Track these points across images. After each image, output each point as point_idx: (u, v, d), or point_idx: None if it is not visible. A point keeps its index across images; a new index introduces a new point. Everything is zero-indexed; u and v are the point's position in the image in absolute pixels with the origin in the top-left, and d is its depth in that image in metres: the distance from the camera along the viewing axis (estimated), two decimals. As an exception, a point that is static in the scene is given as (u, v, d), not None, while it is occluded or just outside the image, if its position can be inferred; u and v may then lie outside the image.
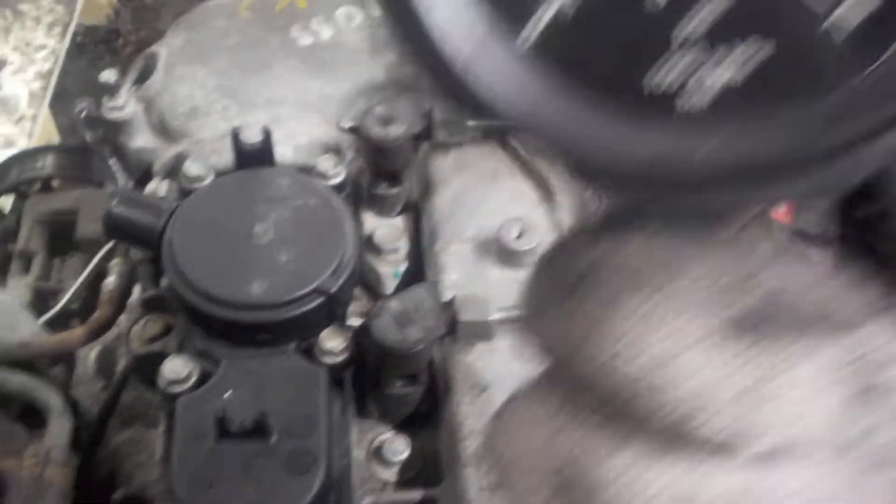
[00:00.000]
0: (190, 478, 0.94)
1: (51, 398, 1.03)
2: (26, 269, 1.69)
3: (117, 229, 1.15)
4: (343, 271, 1.08)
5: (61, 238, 1.74)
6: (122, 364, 1.37)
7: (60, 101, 2.75)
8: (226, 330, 1.06)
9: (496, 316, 1.06)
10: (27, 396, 1.05)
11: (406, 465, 1.12)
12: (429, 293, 1.06)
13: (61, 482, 0.98)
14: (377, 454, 1.12)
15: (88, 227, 1.70)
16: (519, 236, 1.15)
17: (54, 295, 1.61)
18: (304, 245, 1.09)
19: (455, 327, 1.05)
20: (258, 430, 0.96)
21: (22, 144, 2.78)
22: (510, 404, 0.66)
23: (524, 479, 0.59)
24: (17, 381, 1.06)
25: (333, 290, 1.06)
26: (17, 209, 1.80)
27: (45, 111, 2.72)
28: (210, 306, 1.04)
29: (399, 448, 1.12)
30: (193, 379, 1.03)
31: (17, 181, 1.83)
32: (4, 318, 1.20)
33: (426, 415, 1.16)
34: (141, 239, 1.15)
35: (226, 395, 0.99)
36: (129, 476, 1.30)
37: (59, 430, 1.01)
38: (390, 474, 1.11)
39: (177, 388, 1.03)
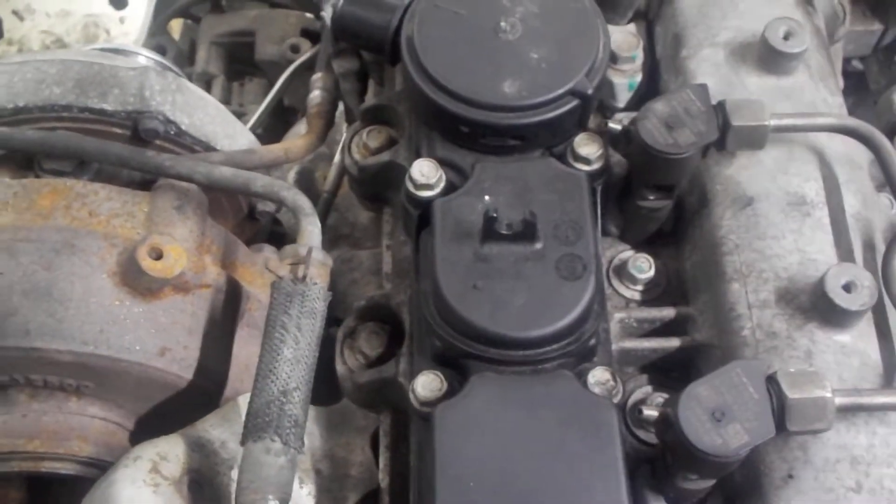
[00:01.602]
0: (456, 280, 0.90)
1: (298, 198, 0.99)
2: (207, 92, 1.66)
3: (346, 29, 1.08)
4: (597, 72, 1.00)
5: (239, 61, 1.70)
6: (329, 183, 1.34)
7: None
8: (473, 134, 0.99)
9: (773, 122, 0.96)
10: (275, 196, 1.01)
11: (651, 284, 1.06)
12: (697, 95, 0.97)
13: (323, 280, 0.95)
14: (619, 272, 1.06)
15: (267, 48, 1.65)
16: (786, 38, 1.03)
17: (237, 119, 1.57)
18: (556, 42, 1.00)
19: (726, 134, 0.96)
20: (525, 233, 0.90)
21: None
22: None
23: None
24: (264, 181, 1.02)
25: (590, 91, 0.98)
26: (190, 33, 1.75)
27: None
28: (459, 107, 0.97)
29: (643, 266, 1.05)
30: (443, 184, 0.98)
31: (187, 2, 1.78)
32: (225, 126, 1.16)
33: (668, 234, 1.09)
34: (371, 38, 1.08)
35: (487, 198, 0.94)
36: (344, 293, 1.29)
37: (312, 228, 0.98)
38: (633, 293, 1.06)
39: (426, 193, 0.97)
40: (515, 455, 0.83)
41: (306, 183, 1.42)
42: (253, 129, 1.55)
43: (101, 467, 1.03)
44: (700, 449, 0.80)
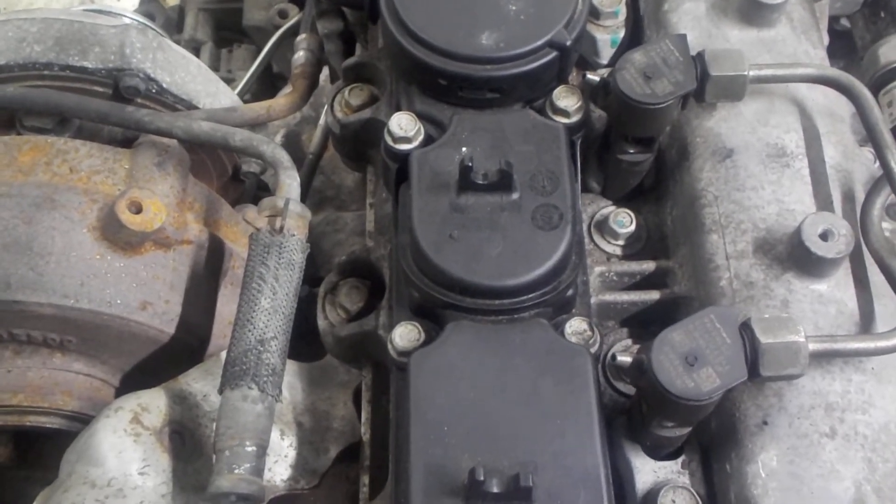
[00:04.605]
0: (432, 230, 0.90)
1: (277, 151, 0.99)
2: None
3: (325, -15, 1.08)
4: (576, 24, 0.99)
5: (227, 27, 1.69)
6: (314, 144, 1.34)
7: None
8: (451, 87, 0.99)
9: (752, 72, 0.96)
10: (253, 150, 1.01)
11: (632, 238, 1.06)
12: (675, 46, 0.96)
13: (301, 232, 0.95)
14: (600, 227, 1.07)
15: (255, 14, 1.64)
16: (766, -10, 1.03)
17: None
18: (534, -6, 1.00)
19: (705, 84, 0.96)
20: (501, 183, 0.90)
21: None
22: None
23: None
24: (243, 135, 1.02)
25: (568, 42, 0.98)
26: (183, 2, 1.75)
27: None
28: (437, 59, 0.97)
29: (624, 220, 1.06)
30: (421, 137, 0.98)
31: (175, -30, 1.78)
32: (207, 84, 1.16)
33: (649, 189, 1.09)
34: (351, -5, 1.08)
35: (463, 150, 0.94)
36: (329, 254, 1.29)
37: (290, 181, 0.98)
38: (614, 247, 1.06)
39: (404, 146, 0.97)
40: (489, 401, 0.84)
41: (293, 145, 1.42)
42: (241, 96, 1.55)
43: (86, 422, 1.04)
44: (672, 392, 0.80)
